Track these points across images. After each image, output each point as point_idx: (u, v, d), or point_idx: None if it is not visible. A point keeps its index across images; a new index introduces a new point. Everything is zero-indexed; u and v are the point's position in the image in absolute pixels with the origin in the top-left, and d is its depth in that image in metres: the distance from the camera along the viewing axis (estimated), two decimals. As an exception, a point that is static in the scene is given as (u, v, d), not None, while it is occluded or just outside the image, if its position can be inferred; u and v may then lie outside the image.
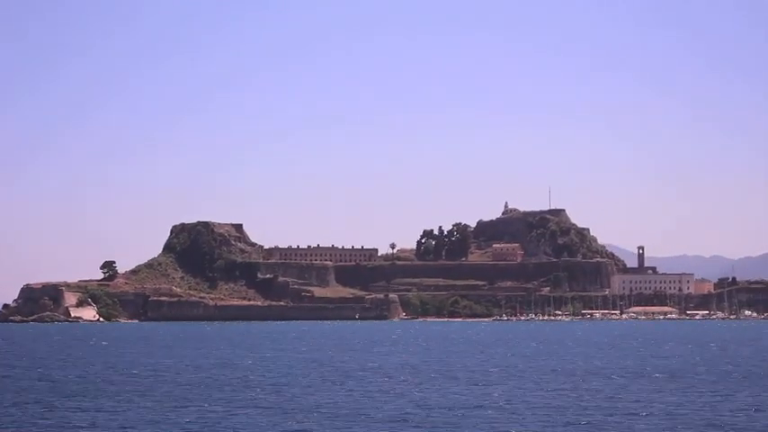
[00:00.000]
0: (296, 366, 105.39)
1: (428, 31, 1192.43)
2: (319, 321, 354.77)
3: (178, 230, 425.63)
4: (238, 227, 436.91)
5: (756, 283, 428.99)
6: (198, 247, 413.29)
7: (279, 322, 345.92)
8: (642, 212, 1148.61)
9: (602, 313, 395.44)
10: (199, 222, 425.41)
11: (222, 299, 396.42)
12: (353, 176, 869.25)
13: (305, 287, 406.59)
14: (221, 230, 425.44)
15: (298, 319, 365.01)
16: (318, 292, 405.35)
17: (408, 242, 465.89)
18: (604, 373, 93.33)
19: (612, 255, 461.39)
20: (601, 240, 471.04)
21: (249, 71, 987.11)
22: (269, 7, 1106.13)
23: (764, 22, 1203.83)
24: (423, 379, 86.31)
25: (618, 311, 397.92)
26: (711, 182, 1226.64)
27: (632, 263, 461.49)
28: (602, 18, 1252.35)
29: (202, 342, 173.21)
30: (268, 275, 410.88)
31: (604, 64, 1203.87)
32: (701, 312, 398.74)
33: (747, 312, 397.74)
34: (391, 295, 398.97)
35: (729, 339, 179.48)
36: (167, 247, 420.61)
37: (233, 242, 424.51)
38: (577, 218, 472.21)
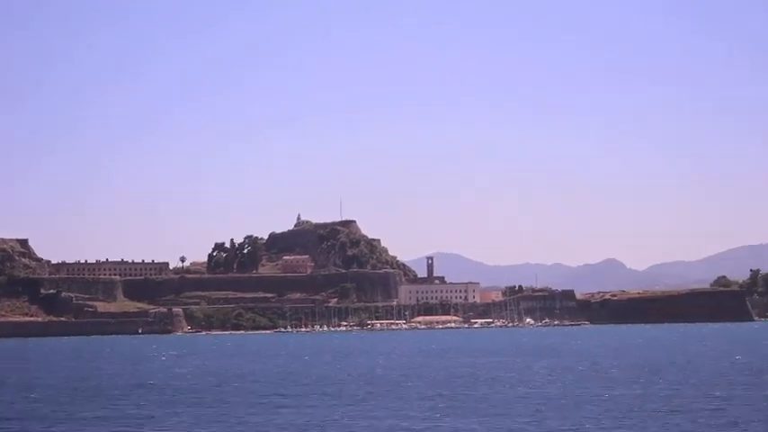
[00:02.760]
0: None
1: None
2: (101, 336, 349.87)
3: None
4: (23, 242, 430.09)
5: (540, 290, 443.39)
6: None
7: (52, 338, 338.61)
8: (480, 222, 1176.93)
9: (387, 323, 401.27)
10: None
11: (2, 315, 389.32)
12: (147, 189, 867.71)
13: (89, 302, 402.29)
14: (4, 246, 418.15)
15: (79, 335, 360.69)
16: (102, 306, 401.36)
17: (200, 255, 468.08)
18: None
19: (403, 265, 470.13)
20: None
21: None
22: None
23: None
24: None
25: (403, 321, 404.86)
26: (562, 191, 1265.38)
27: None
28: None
29: None
30: (51, 291, 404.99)
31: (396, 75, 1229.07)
32: (480, 321, 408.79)
33: (528, 320, 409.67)
34: (175, 309, 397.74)
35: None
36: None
37: (17, 257, 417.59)
38: (373, 229, 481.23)
